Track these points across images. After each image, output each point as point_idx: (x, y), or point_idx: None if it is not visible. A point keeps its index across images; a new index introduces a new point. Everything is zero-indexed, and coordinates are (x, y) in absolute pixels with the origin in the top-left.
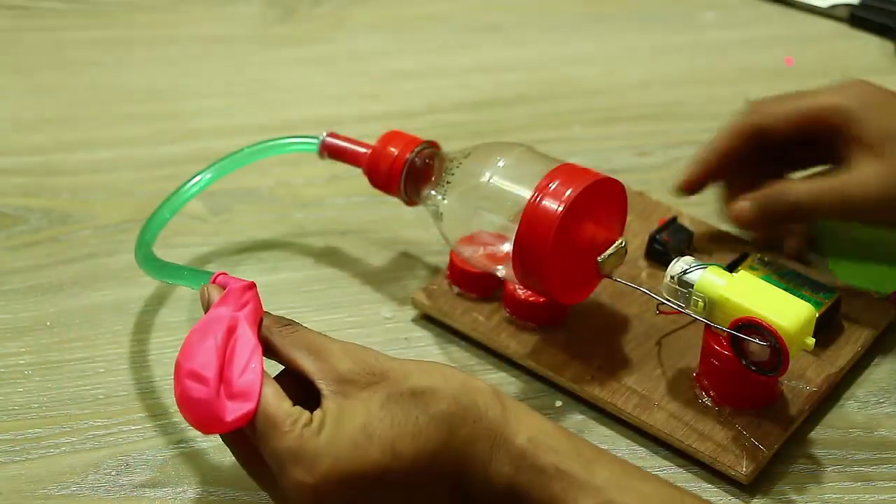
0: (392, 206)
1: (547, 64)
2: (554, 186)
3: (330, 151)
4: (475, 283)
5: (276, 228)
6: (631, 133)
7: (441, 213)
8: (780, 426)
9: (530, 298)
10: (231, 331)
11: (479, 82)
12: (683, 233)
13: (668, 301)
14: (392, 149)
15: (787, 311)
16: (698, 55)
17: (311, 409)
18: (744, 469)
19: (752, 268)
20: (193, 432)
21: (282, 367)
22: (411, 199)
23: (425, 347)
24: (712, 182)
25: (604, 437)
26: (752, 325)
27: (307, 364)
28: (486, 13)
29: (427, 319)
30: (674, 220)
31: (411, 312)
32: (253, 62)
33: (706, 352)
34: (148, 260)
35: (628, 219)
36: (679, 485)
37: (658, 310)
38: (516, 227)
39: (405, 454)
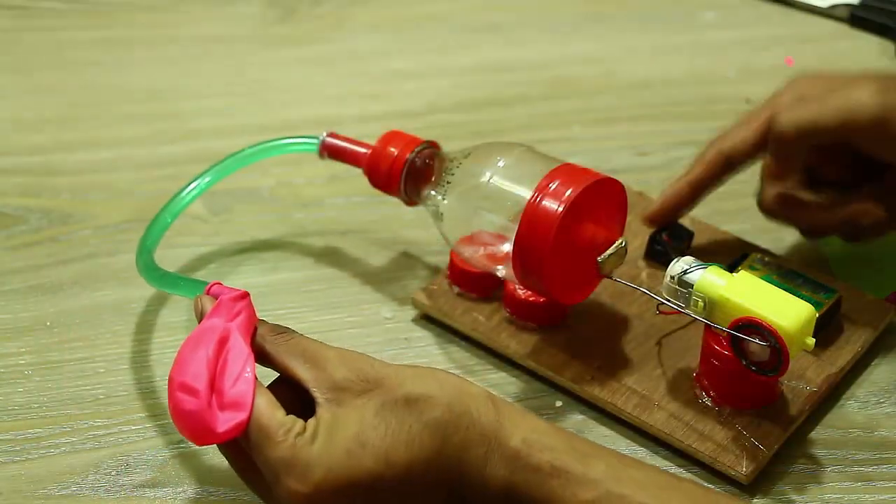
0: (392, 206)
1: (547, 64)
2: (554, 186)
3: (330, 151)
4: (475, 283)
5: (277, 228)
6: (631, 133)
7: (441, 213)
8: (780, 426)
9: (530, 298)
10: (223, 341)
11: (479, 82)
12: (684, 233)
13: (668, 301)
14: (392, 149)
15: (788, 311)
16: (698, 55)
17: (309, 417)
18: (744, 469)
19: (752, 268)
20: None
21: (277, 375)
22: (411, 199)
23: (425, 348)
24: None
25: (604, 437)
26: (752, 325)
27: (302, 372)
28: (486, 13)
29: (427, 320)
30: None
31: (411, 313)
32: (253, 62)
33: (706, 352)
34: (149, 269)
35: (629, 219)
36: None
37: (658, 310)
38: (516, 227)
39: (399, 462)
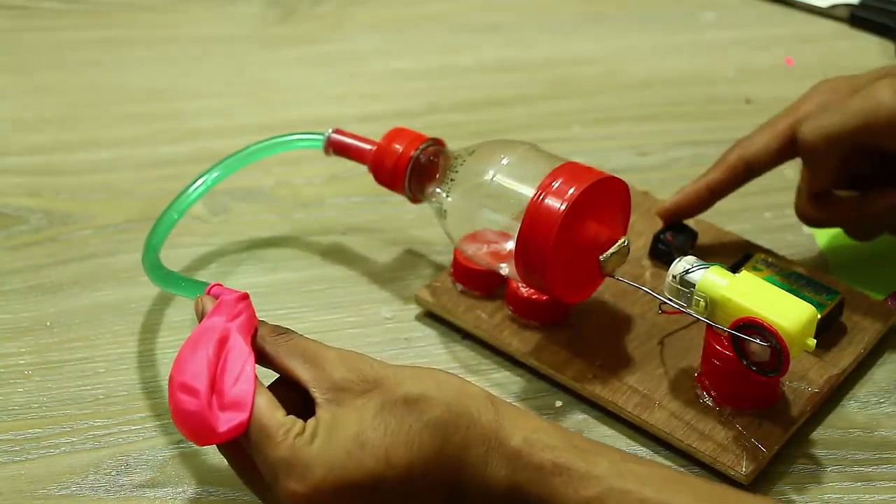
0: (392, 206)
1: (547, 64)
2: (557, 185)
3: (335, 148)
4: (478, 281)
5: (277, 228)
6: (631, 133)
7: (445, 211)
8: (780, 427)
9: (533, 296)
10: (223, 341)
11: (479, 82)
12: (687, 233)
13: (670, 301)
14: (397, 146)
15: (789, 311)
16: (698, 55)
17: (309, 418)
18: (744, 469)
19: (755, 268)
20: None
21: (277, 376)
22: (415, 196)
23: (425, 347)
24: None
25: (604, 436)
26: (753, 326)
27: (302, 372)
28: (486, 13)
29: (427, 319)
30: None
31: (412, 312)
32: (253, 62)
33: (707, 352)
34: (154, 268)
35: (632, 218)
36: None
37: (660, 309)
38: (520, 224)
39: (399, 462)
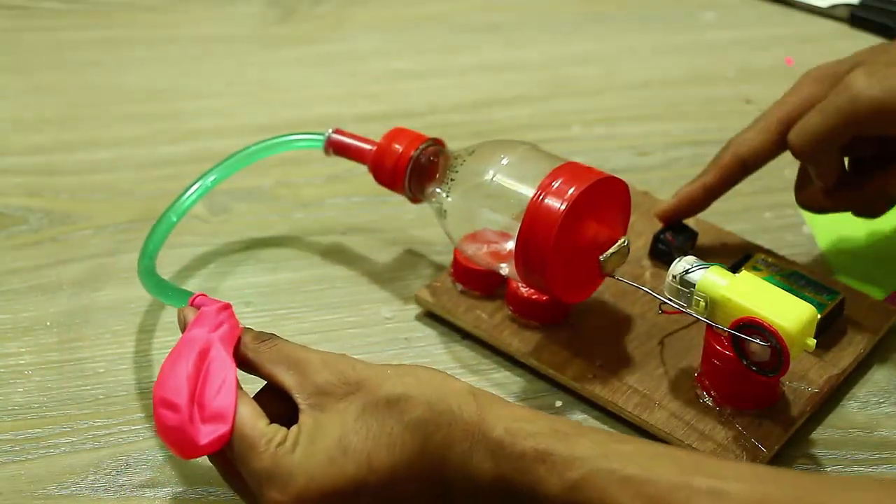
0: (392, 206)
1: (547, 64)
2: (557, 185)
3: (335, 148)
4: (478, 281)
5: (276, 228)
6: (631, 133)
7: (445, 211)
8: (780, 426)
9: (533, 296)
10: (204, 353)
11: (479, 82)
12: (687, 233)
13: (670, 301)
14: (397, 146)
15: (789, 311)
16: (698, 55)
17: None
18: None
19: (755, 268)
20: None
21: (265, 383)
22: (416, 196)
23: (425, 347)
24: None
25: None
26: (753, 326)
27: (286, 378)
28: (486, 13)
29: (427, 319)
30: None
31: (412, 312)
32: (253, 62)
33: (708, 352)
34: (148, 274)
35: (633, 218)
36: None
37: (660, 309)
38: (520, 224)
39: (381, 466)
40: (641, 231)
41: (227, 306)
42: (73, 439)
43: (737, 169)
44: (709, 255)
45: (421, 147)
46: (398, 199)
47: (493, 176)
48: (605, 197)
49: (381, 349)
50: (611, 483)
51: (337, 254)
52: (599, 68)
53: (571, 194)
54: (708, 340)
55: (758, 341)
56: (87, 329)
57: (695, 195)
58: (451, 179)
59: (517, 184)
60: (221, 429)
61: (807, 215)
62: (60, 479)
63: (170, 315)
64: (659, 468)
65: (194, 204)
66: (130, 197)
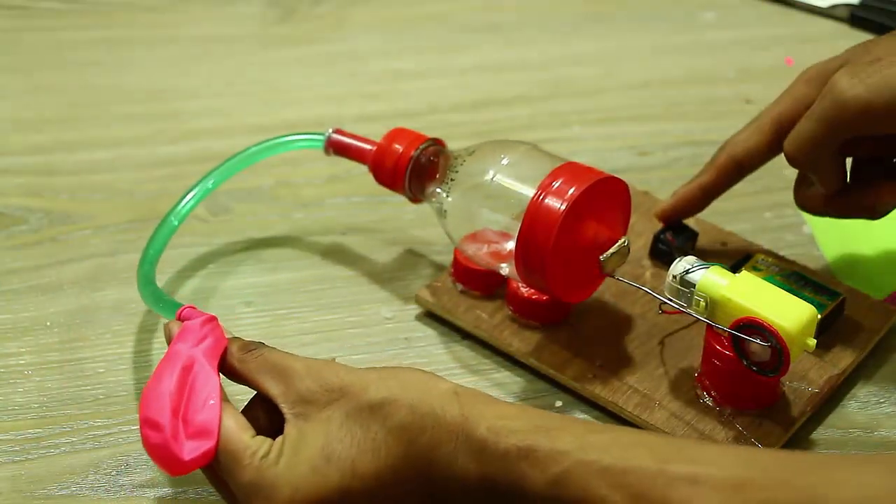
0: (392, 206)
1: (547, 64)
2: (557, 185)
3: (336, 148)
4: (479, 281)
5: (276, 228)
6: (631, 133)
7: (445, 211)
8: (781, 427)
9: (533, 296)
10: (188, 369)
11: (479, 82)
12: (688, 233)
13: (671, 301)
14: (397, 146)
15: (789, 311)
16: (698, 55)
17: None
18: None
19: (755, 268)
20: None
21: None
22: (416, 196)
23: (425, 347)
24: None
25: None
26: (753, 326)
27: (272, 388)
28: (486, 13)
29: (427, 319)
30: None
31: (411, 312)
32: (253, 62)
33: (708, 352)
34: (146, 282)
35: (633, 218)
36: None
37: (661, 309)
38: (520, 224)
39: (366, 472)
40: (641, 231)
41: (212, 319)
42: (73, 439)
43: (732, 170)
44: (709, 255)
45: (421, 147)
46: (398, 199)
47: (493, 176)
48: (605, 197)
49: (381, 349)
50: (590, 475)
51: (337, 254)
52: (599, 68)
53: (571, 194)
54: (708, 340)
55: (758, 341)
56: (87, 329)
57: (692, 196)
58: (451, 179)
59: (517, 184)
60: (206, 444)
61: (807, 215)
62: (60, 479)
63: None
64: (637, 457)
65: (195, 207)
66: (130, 197)
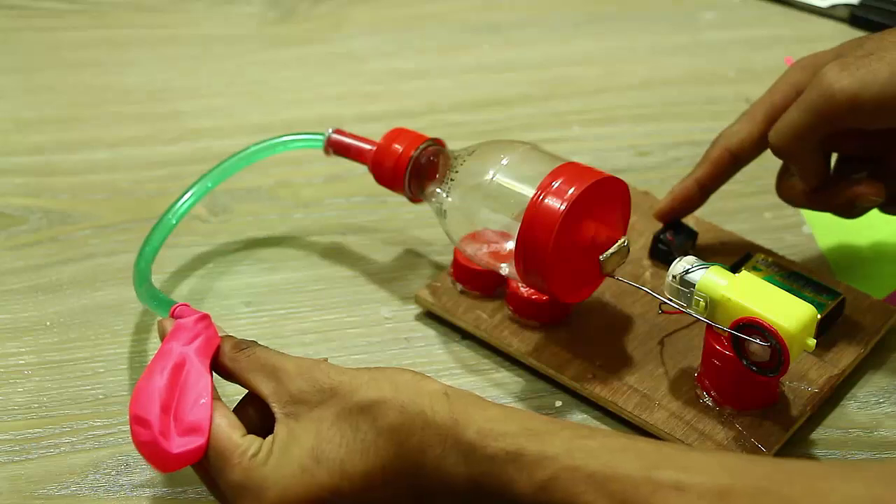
0: (392, 206)
1: (547, 64)
2: (557, 185)
3: (335, 148)
4: (478, 281)
5: (276, 228)
6: (631, 133)
7: (445, 211)
8: (781, 426)
9: (533, 296)
10: (179, 367)
11: (479, 82)
12: (688, 233)
13: (670, 301)
14: (397, 146)
15: (789, 311)
16: (698, 55)
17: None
18: None
19: (755, 268)
20: None
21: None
22: (416, 196)
23: (425, 347)
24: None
25: None
26: (752, 326)
27: (263, 387)
28: (486, 13)
29: (427, 319)
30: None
31: (411, 312)
32: (253, 62)
33: (707, 352)
34: (141, 279)
35: (633, 218)
36: None
37: (660, 309)
38: (519, 224)
39: (355, 473)
40: (641, 231)
41: (205, 317)
42: (73, 439)
43: (727, 162)
44: (709, 255)
45: (421, 147)
46: (398, 199)
47: (493, 176)
48: (604, 197)
49: (381, 349)
50: (576, 481)
51: (336, 254)
52: (599, 68)
53: (571, 194)
54: (708, 340)
55: (758, 341)
56: (87, 329)
57: (689, 192)
58: (451, 179)
59: (517, 184)
60: (196, 441)
61: (807, 215)
62: (60, 479)
63: None
64: (624, 463)
65: (194, 205)
66: (130, 197)
